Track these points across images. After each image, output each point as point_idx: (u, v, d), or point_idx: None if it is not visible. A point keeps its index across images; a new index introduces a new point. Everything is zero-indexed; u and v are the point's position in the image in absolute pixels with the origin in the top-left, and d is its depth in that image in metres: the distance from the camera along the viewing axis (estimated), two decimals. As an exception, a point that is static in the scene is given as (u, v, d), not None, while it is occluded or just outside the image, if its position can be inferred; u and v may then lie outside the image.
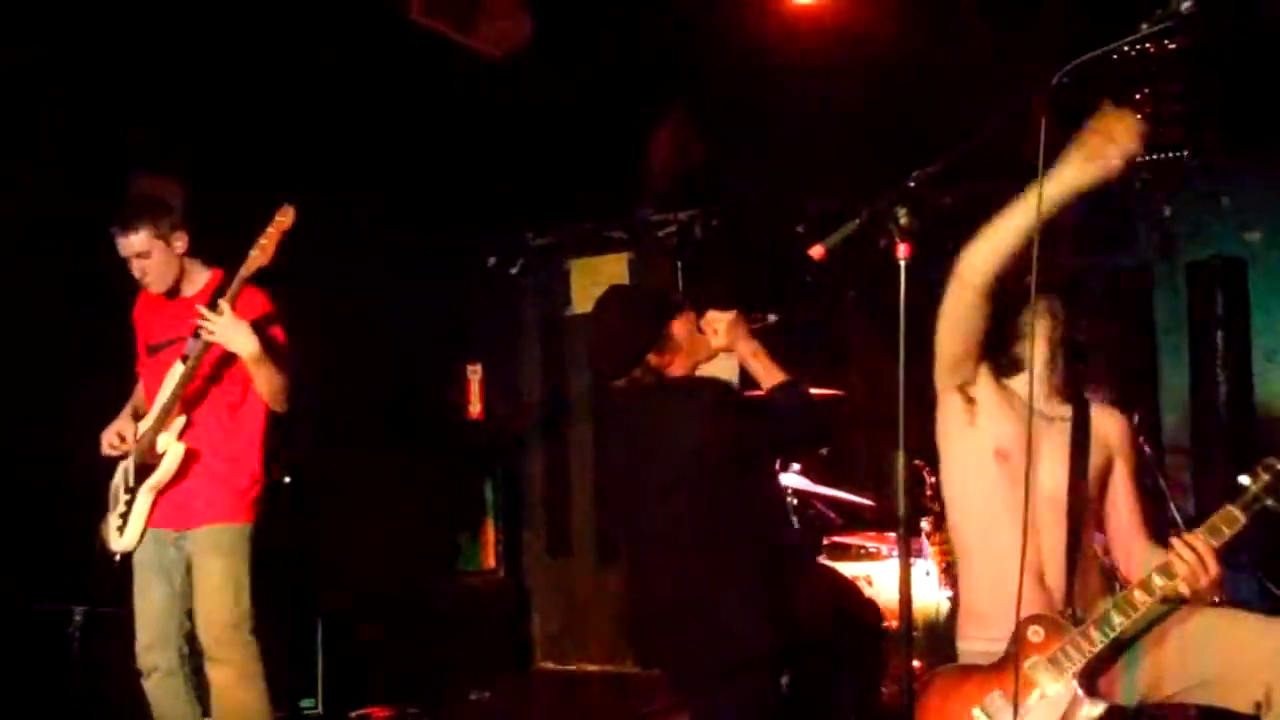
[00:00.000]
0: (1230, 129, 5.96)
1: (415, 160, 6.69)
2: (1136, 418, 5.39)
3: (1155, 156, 6.14)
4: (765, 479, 3.97)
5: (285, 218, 4.03)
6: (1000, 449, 3.15)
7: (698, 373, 3.94)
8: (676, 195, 7.22)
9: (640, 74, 6.72)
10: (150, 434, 4.13)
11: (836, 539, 5.90)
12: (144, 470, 4.13)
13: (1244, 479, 2.87)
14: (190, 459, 4.11)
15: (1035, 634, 3.00)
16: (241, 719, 4.09)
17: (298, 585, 5.79)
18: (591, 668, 7.28)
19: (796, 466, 5.76)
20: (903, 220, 2.54)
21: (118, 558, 4.17)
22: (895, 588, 5.18)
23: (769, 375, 3.91)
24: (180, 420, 4.11)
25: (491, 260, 7.76)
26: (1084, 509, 3.09)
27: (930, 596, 5.26)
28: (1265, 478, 2.84)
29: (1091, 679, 2.98)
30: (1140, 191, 6.33)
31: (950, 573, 5.30)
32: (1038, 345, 3.20)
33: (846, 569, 5.34)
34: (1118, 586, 3.18)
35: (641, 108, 6.97)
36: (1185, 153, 6.13)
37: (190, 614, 4.14)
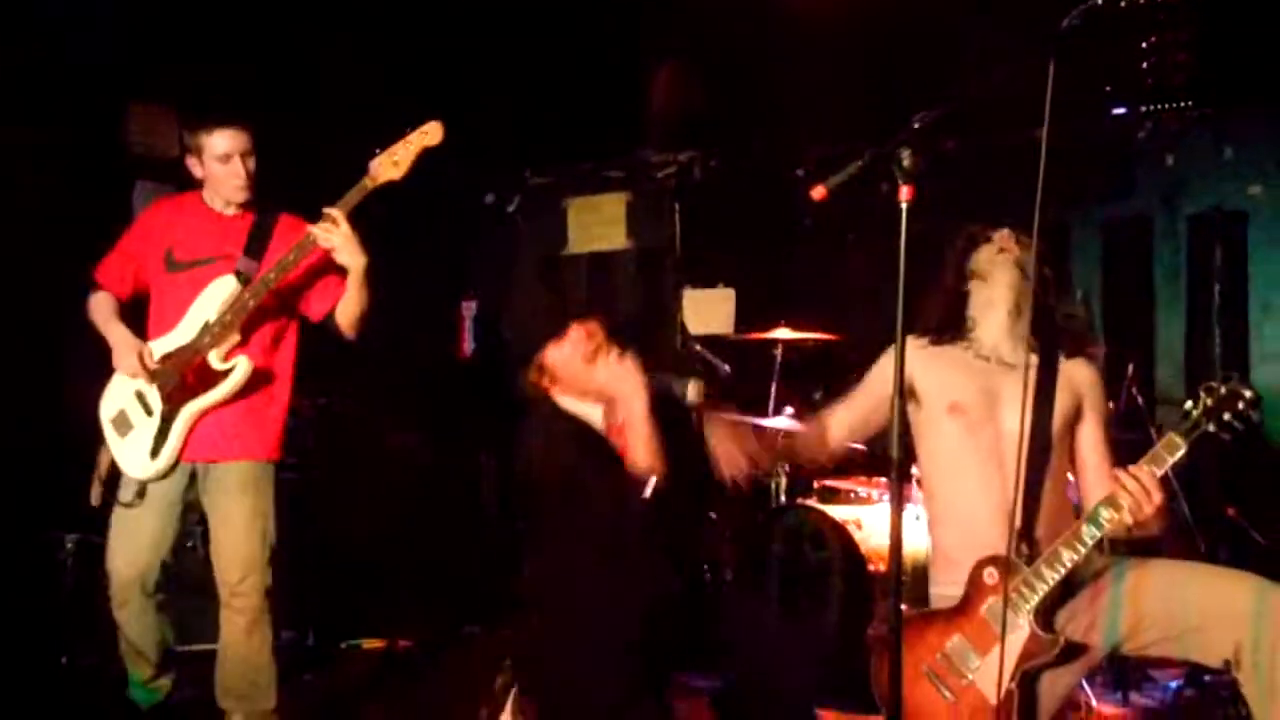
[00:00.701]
0: (1236, 80, 5.91)
1: (414, 95, 6.62)
2: (1131, 368, 5.45)
3: (1159, 106, 6.11)
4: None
5: (432, 134, 3.81)
6: (953, 404, 3.21)
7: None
8: (676, 136, 7.17)
9: (642, 13, 6.66)
10: (189, 352, 3.85)
11: (827, 483, 5.93)
12: (180, 391, 3.86)
13: (1188, 404, 2.90)
14: (255, 380, 3.88)
15: (990, 576, 3.05)
16: (247, 667, 3.98)
17: (289, 518, 5.80)
18: (581, 605, 7.32)
19: (790, 410, 5.77)
20: (906, 162, 2.52)
21: (137, 484, 3.91)
22: (885, 532, 5.24)
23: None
24: (235, 339, 3.86)
25: (489, 197, 7.72)
26: (1049, 451, 3.13)
27: (920, 541, 5.27)
28: (1206, 401, 2.87)
29: (1048, 616, 3.01)
30: (1143, 141, 6.30)
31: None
32: (999, 292, 3.23)
33: (837, 513, 5.38)
34: None
35: (643, 48, 6.90)
36: (1190, 103, 6.09)
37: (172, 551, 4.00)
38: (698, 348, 6.48)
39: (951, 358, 3.31)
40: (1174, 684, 4.77)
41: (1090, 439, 3.23)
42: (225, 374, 3.85)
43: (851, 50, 6.25)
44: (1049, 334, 3.27)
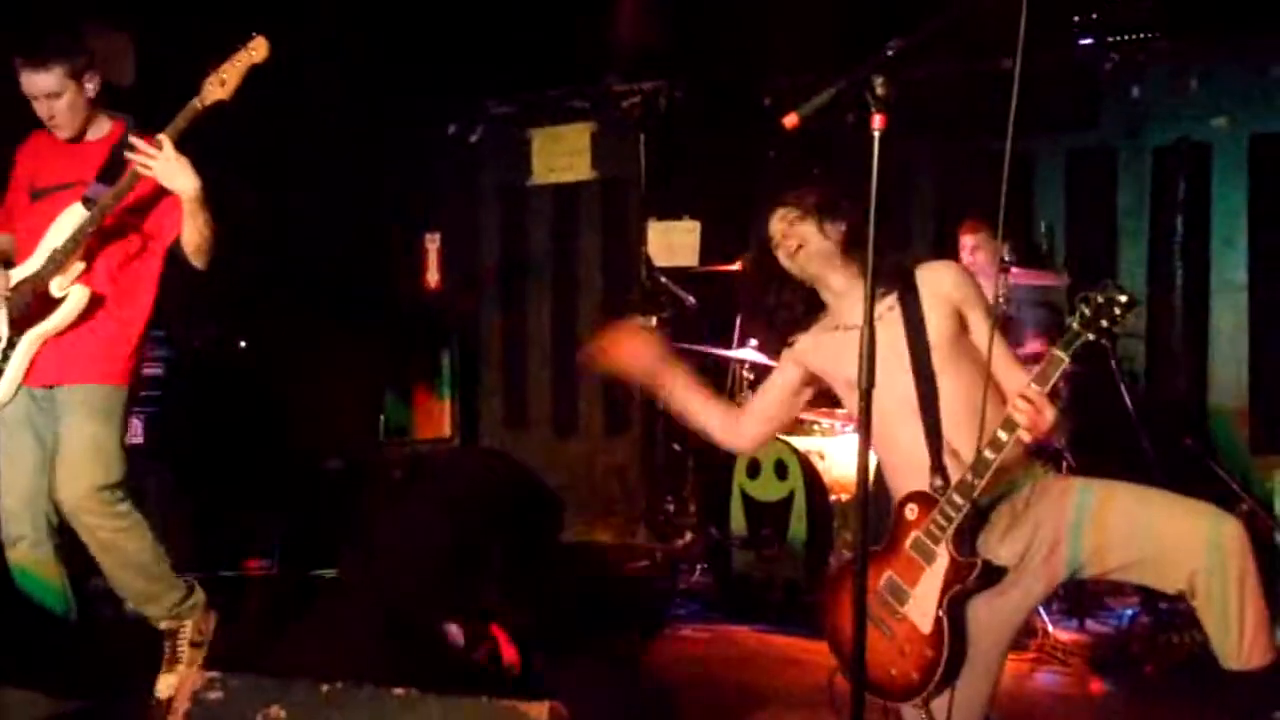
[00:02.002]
0: (1203, 12, 5.90)
1: (375, 22, 6.53)
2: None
3: (1126, 37, 6.09)
4: None
5: (257, 50, 3.71)
6: (847, 380, 3.17)
7: None
8: (642, 65, 7.10)
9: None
10: (37, 280, 3.79)
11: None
12: (26, 318, 3.80)
13: (1068, 318, 2.90)
14: (93, 305, 3.81)
15: (911, 511, 3.09)
16: (131, 567, 3.86)
17: (253, 449, 5.79)
18: (546, 536, 7.37)
19: (754, 341, 5.77)
20: (880, 90, 2.49)
21: None
22: (847, 463, 5.28)
23: None
24: (79, 266, 3.79)
25: (451, 128, 7.64)
26: (942, 374, 3.11)
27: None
28: (1084, 311, 2.85)
29: (967, 541, 3.03)
30: (1109, 72, 6.29)
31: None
32: (794, 266, 3.27)
33: (800, 443, 5.40)
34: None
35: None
36: (1157, 34, 6.08)
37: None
38: (663, 279, 6.47)
39: (829, 340, 3.28)
40: (1129, 611, 4.85)
41: (981, 332, 3.18)
42: (60, 300, 3.79)
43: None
44: (890, 266, 3.19)
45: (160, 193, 3.84)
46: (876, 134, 2.53)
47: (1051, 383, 2.90)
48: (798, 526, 5.25)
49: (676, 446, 6.72)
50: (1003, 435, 2.92)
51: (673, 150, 7.06)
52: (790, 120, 2.59)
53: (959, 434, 3.09)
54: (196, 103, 3.72)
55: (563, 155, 7.55)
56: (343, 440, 6.41)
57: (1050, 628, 4.71)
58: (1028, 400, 2.89)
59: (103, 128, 3.94)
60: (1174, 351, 6.20)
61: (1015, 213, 3.38)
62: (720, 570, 5.54)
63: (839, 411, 5.77)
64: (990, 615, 3.07)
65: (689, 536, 6.13)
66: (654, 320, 6.38)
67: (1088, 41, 6.18)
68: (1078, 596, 5.01)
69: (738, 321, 5.91)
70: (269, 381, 5.94)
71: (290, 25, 6.00)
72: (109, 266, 3.87)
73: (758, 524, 5.35)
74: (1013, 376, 3.13)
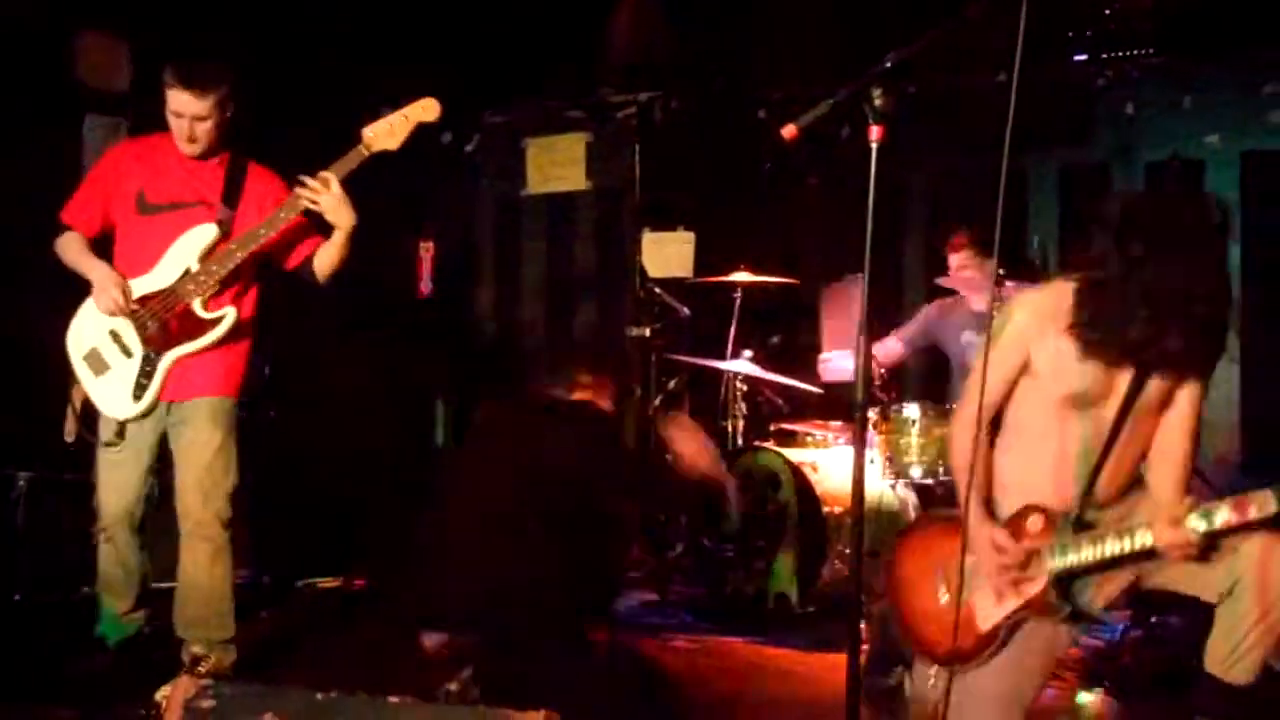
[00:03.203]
0: (1197, 29, 5.93)
1: (373, 31, 6.54)
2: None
3: (1119, 53, 6.12)
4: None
5: (428, 111, 4.01)
6: (1066, 395, 3.12)
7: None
8: (637, 76, 7.12)
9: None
10: (173, 297, 3.95)
11: (784, 426, 5.97)
12: (162, 335, 3.96)
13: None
14: (235, 327, 4.02)
15: (1034, 523, 3.08)
16: (208, 597, 4.08)
17: (253, 457, 5.78)
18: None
19: (748, 354, 5.79)
20: (878, 101, 2.51)
21: (118, 424, 4.00)
22: (840, 475, 5.30)
23: None
24: (216, 288, 3.99)
25: (447, 137, 7.65)
26: (1135, 425, 3.07)
27: (874, 484, 5.34)
28: None
29: (1067, 584, 3.06)
30: (1102, 88, 6.32)
31: (894, 463, 5.37)
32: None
33: (793, 455, 5.42)
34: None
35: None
36: (1149, 50, 6.11)
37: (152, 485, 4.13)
38: (657, 290, 6.48)
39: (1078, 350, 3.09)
40: (1121, 626, 4.86)
41: (1183, 402, 3.12)
42: (213, 323, 3.99)
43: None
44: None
45: (293, 222, 4.06)
46: (874, 145, 2.54)
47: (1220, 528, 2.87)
48: (790, 539, 5.26)
49: (669, 457, 6.71)
50: (1145, 541, 2.93)
51: (668, 161, 7.07)
52: (789, 131, 2.61)
53: (1107, 479, 3.09)
54: (363, 149, 4.01)
55: (558, 165, 7.56)
56: (339, 447, 6.41)
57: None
58: (1188, 541, 2.87)
59: (219, 150, 4.11)
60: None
61: (1009, 228, 3.37)
62: (712, 582, 5.54)
63: (832, 424, 5.80)
64: (1038, 640, 3.11)
65: (680, 548, 6.13)
66: (647, 331, 6.39)
67: (1081, 58, 6.21)
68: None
69: (731, 333, 5.92)
70: (267, 393, 5.93)
71: (285, 32, 6.05)
72: (235, 288, 4.07)
73: (751, 536, 5.36)
74: (1183, 444, 3.11)
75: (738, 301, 5.93)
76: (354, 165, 4.00)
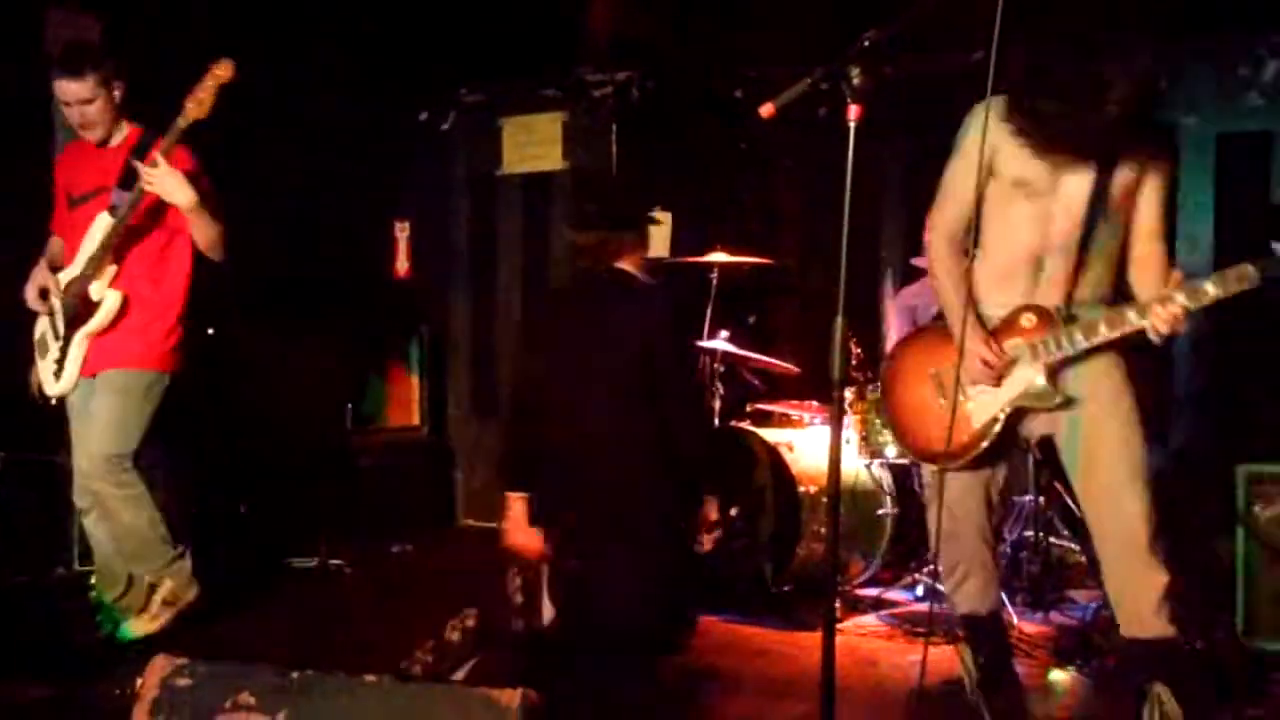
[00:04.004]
0: (1176, 10, 5.94)
1: (346, 10, 6.50)
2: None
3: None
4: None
5: (223, 71, 4.08)
6: (1018, 179, 3.38)
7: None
8: (614, 55, 7.09)
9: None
10: (80, 283, 4.25)
11: (760, 406, 5.98)
12: (77, 319, 4.27)
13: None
14: (126, 304, 4.26)
15: (1028, 320, 3.40)
16: (132, 538, 4.32)
17: (222, 439, 5.76)
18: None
19: (725, 333, 5.79)
20: (856, 80, 2.52)
21: (54, 401, 4.37)
22: (816, 454, 5.32)
23: None
24: (111, 269, 4.25)
25: (423, 115, 7.61)
26: (1101, 215, 3.33)
27: (850, 464, 5.36)
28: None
29: (1057, 372, 3.39)
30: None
31: (869, 443, 5.40)
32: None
33: (769, 435, 5.43)
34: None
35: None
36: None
37: None
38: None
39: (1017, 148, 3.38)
40: (1093, 604, 4.90)
41: (1145, 208, 3.39)
42: (97, 304, 4.26)
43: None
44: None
45: None
46: (852, 125, 2.55)
47: (1217, 297, 3.12)
48: (766, 518, 5.28)
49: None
50: (1133, 317, 3.22)
51: (644, 141, 7.05)
52: (766, 110, 2.61)
53: (1090, 277, 3.37)
54: (180, 121, 4.13)
55: (534, 145, 7.52)
56: (312, 429, 6.39)
57: (1015, 619, 4.77)
58: (1174, 316, 3.14)
59: (122, 133, 4.36)
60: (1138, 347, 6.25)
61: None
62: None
63: (808, 404, 5.81)
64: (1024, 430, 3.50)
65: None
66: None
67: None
68: (1040, 591, 5.06)
69: (708, 313, 5.93)
70: (236, 369, 5.91)
71: (260, 15, 6.00)
72: (141, 263, 4.32)
73: (727, 510, 5.36)
74: (1147, 246, 3.37)
75: (714, 281, 5.93)
76: (175, 139, 4.12)
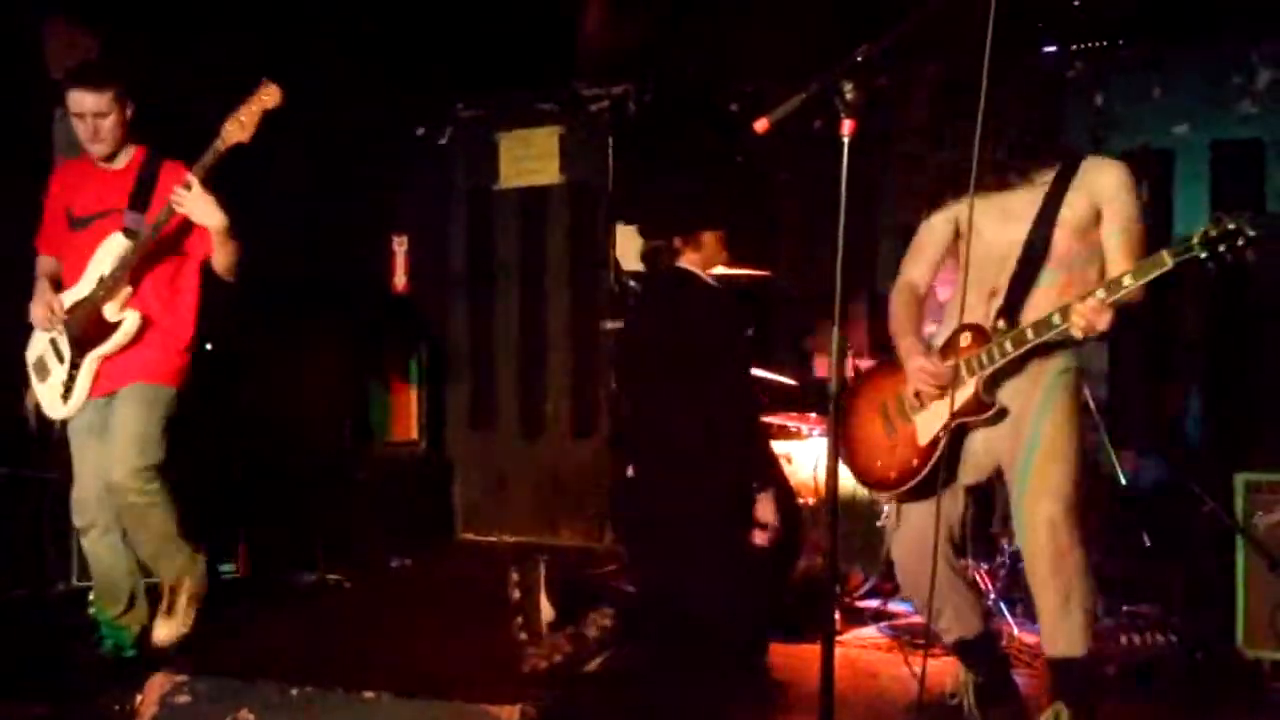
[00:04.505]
0: (1167, 19, 5.97)
1: (345, 26, 6.51)
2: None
3: (1089, 44, 6.15)
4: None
5: (269, 96, 4.07)
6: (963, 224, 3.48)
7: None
8: (610, 69, 7.11)
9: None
10: (90, 305, 4.21)
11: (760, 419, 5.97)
12: (86, 340, 4.22)
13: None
14: (144, 325, 4.22)
15: (964, 339, 3.43)
16: (154, 535, 4.29)
17: (222, 452, 5.76)
18: (511, 538, 7.36)
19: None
20: (849, 95, 2.53)
21: (56, 425, 4.33)
22: (814, 466, 5.31)
23: None
24: (127, 290, 4.20)
25: (420, 130, 7.63)
26: (1049, 249, 3.38)
27: (847, 475, 5.35)
28: (1210, 230, 2.98)
29: (993, 384, 3.41)
30: (1072, 80, 6.34)
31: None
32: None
33: (768, 447, 5.43)
34: None
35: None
36: (1120, 41, 6.14)
37: None
38: (631, 283, 6.48)
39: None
40: (1092, 613, 4.89)
41: (1110, 239, 3.39)
42: (115, 325, 4.21)
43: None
44: (1063, 147, 3.54)
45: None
46: (846, 139, 2.56)
47: (1137, 285, 3.08)
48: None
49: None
50: (1056, 320, 3.22)
51: (641, 154, 7.07)
52: (761, 124, 2.63)
53: (1036, 300, 3.37)
54: (219, 144, 4.11)
55: (531, 159, 7.54)
56: (310, 443, 6.39)
57: (1015, 630, 4.77)
58: (1090, 308, 3.12)
59: (129, 153, 4.33)
60: (1136, 354, 6.26)
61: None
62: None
63: (807, 416, 5.81)
64: (977, 450, 3.51)
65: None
66: (622, 324, 6.39)
67: (1051, 49, 6.24)
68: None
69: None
70: (234, 383, 5.91)
71: (259, 28, 6.02)
72: (155, 285, 4.29)
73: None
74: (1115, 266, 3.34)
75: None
76: (211, 162, 4.11)
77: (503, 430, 7.64)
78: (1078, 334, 3.19)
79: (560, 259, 7.53)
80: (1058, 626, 3.39)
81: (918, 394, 3.53)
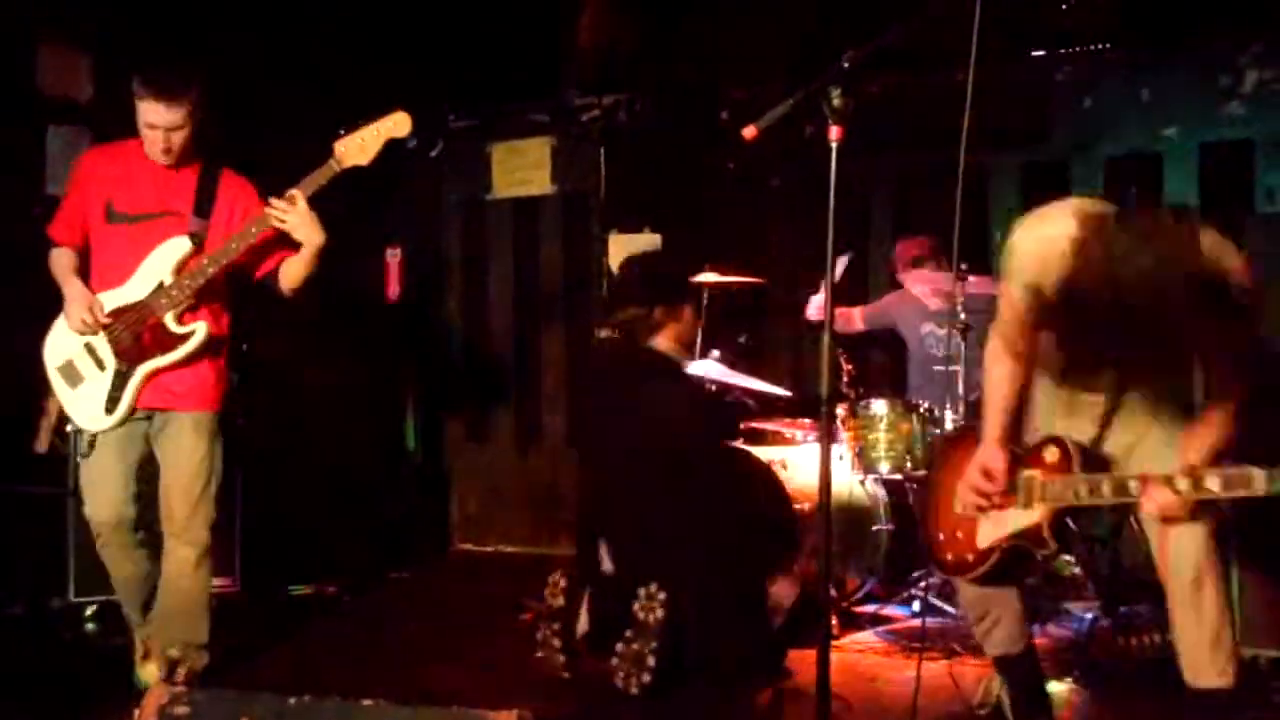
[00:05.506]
0: (1153, 23, 5.99)
1: (335, 37, 6.52)
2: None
3: (1077, 49, 6.17)
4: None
5: (400, 127, 4.00)
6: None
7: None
8: (601, 79, 7.13)
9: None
10: (142, 310, 3.95)
11: (753, 424, 5.99)
12: (139, 349, 3.97)
13: None
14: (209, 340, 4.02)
15: (1050, 453, 3.21)
16: (188, 599, 4.11)
17: (225, 465, 5.75)
18: (509, 549, 7.36)
19: (716, 353, 5.81)
20: (836, 101, 2.55)
21: (89, 436, 4.02)
22: (810, 471, 5.32)
23: None
24: (190, 302, 3.98)
25: (411, 142, 7.63)
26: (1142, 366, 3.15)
27: (843, 480, 5.37)
28: None
29: (1062, 524, 3.23)
30: (1060, 84, 6.37)
31: (863, 459, 5.41)
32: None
33: (762, 453, 5.44)
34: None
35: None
36: (1107, 45, 6.16)
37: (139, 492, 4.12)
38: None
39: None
40: (1089, 615, 4.91)
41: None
42: (183, 338, 3.98)
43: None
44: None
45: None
46: (834, 145, 2.57)
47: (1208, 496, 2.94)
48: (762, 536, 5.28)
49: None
50: (1134, 490, 3.02)
51: (633, 163, 7.09)
52: (749, 132, 2.64)
53: (1122, 420, 3.21)
54: (334, 164, 3.99)
55: (523, 169, 7.55)
56: (305, 454, 6.38)
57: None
58: (1170, 503, 2.96)
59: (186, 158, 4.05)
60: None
61: (971, 224, 3.42)
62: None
63: (801, 421, 5.83)
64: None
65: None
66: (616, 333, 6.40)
67: (1039, 54, 6.26)
68: (1038, 602, 5.07)
69: (699, 333, 5.94)
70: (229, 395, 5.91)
71: (250, 40, 6.03)
72: (211, 302, 4.08)
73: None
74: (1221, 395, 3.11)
75: (704, 301, 5.95)
76: (323, 181, 3.99)
77: (498, 441, 7.65)
78: (1147, 516, 3.08)
79: (553, 269, 7.55)
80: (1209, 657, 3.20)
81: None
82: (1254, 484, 2.86)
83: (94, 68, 5.79)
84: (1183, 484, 2.95)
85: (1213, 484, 2.92)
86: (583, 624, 4.34)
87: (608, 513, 4.48)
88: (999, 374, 3.28)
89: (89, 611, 5.07)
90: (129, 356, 3.97)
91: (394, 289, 7.70)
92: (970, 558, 3.31)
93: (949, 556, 3.39)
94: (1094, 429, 3.28)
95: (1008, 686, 3.69)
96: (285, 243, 4.12)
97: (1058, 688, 4.23)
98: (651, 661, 4.05)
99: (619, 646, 4.10)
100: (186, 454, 4.06)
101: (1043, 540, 3.17)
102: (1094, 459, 3.21)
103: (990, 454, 3.24)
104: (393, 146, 7.37)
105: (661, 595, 4.09)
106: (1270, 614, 4.29)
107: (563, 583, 4.36)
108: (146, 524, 4.14)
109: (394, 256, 7.69)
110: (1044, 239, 2.99)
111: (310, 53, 6.41)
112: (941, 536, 3.43)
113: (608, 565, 4.47)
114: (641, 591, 4.13)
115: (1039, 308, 3.04)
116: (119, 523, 4.06)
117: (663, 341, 4.43)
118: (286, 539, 5.93)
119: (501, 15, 6.70)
